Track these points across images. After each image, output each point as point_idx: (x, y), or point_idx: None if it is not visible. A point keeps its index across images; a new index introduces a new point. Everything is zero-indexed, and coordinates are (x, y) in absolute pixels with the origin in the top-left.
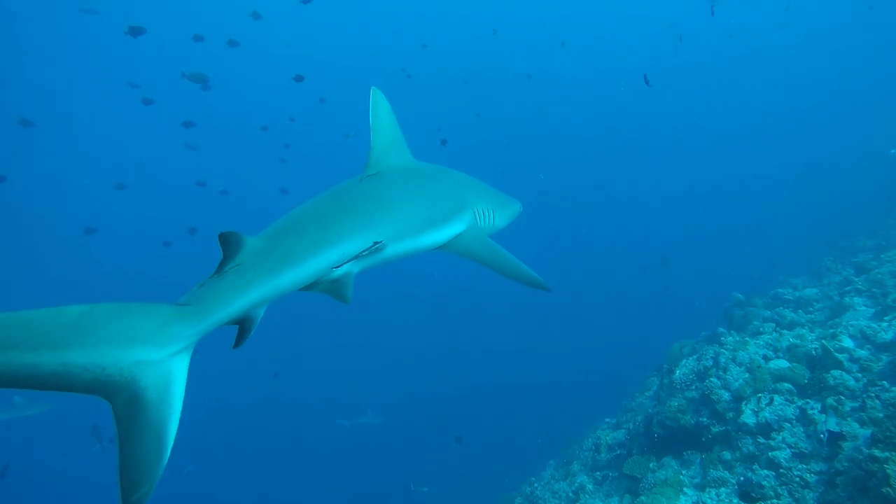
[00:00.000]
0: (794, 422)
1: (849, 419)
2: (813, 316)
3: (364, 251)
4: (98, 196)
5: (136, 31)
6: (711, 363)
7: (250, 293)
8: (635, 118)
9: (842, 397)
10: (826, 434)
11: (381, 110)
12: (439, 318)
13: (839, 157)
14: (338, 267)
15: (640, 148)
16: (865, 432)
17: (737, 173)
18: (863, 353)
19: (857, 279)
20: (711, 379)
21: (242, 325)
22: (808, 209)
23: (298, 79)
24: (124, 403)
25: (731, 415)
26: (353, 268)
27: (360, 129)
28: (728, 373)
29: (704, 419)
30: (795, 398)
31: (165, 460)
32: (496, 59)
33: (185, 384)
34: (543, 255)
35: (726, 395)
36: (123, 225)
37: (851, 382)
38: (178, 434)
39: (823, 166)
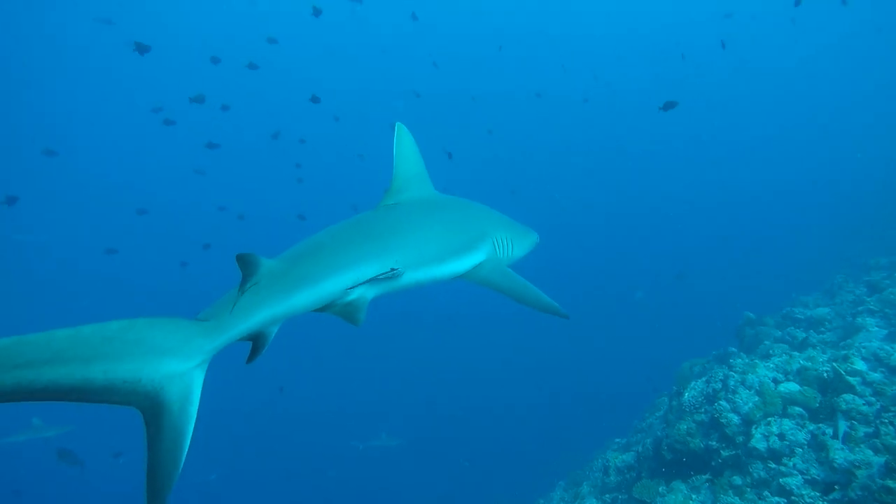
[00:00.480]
0: (806, 447)
1: (862, 445)
2: (825, 336)
3: (380, 275)
4: (119, 218)
5: (142, 49)
6: (720, 385)
7: (264, 311)
8: (648, 133)
9: (854, 422)
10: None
11: (404, 144)
12: (450, 335)
13: (853, 168)
14: (352, 289)
15: (653, 163)
16: (879, 460)
17: (750, 186)
18: (876, 376)
19: (869, 299)
20: (720, 402)
21: (256, 342)
22: (822, 222)
23: (315, 100)
24: (153, 413)
25: (741, 439)
26: (367, 292)
27: (373, 149)
28: (737, 395)
29: (714, 443)
30: (807, 422)
31: (182, 465)
32: (505, 76)
33: (200, 395)
34: (557, 271)
35: (736, 419)
36: (142, 246)
37: (864, 407)
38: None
39: (837, 178)
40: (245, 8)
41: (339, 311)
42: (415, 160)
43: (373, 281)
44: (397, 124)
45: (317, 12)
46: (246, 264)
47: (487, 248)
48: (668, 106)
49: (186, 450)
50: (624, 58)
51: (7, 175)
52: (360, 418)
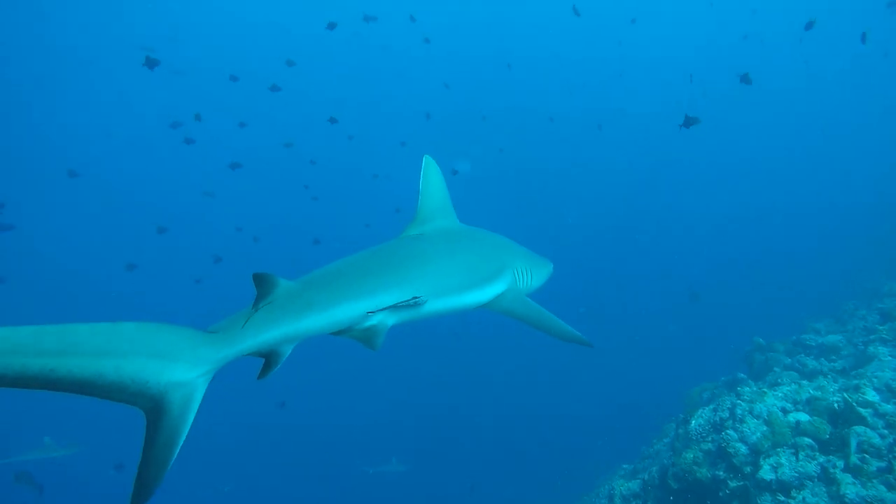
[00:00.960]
0: (816, 480)
1: (874, 480)
2: (836, 364)
3: (401, 303)
4: (138, 237)
5: (152, 63)
6: (728, 414)
7: (275, 329)
8: (659, 154)
9: (867, 456)
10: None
11: (431, 176)
12: (456, 356)
13: (866, 192)
14: (371, 314)
15: (665, 184)
16: (893, 497)
17: (763, 208)
18: (889, 407)
19: (881, 327)
20: (728, 431)
21: (269, 359)
22: (835, 245)
23: (333, 121)
24: (155, 415)
25: (748, 469)
26: (387, 319)
27: (386, 168)
28: (745, 425)
29: (721, 473)
30: (817, 454)
31: (171, 464)
32: (517, 98)
33: (200, 403)
34: (567, 291)
35: (743, 449)
36: (160, 262)
37: (877, 440)
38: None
39: (850, 201)
40: (264, 28)
41: (357, 336)
42: (440, 192)
43: (394, 308)
44: (425, 157)
45: (331, 26)
46: (262, 283)
47: (508, 278)
48: (689, 122)
49: (178, 450)
50: (634, 80)
51: (33, 192)
52: (368, 432)
